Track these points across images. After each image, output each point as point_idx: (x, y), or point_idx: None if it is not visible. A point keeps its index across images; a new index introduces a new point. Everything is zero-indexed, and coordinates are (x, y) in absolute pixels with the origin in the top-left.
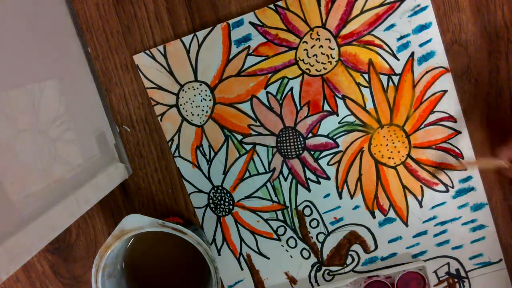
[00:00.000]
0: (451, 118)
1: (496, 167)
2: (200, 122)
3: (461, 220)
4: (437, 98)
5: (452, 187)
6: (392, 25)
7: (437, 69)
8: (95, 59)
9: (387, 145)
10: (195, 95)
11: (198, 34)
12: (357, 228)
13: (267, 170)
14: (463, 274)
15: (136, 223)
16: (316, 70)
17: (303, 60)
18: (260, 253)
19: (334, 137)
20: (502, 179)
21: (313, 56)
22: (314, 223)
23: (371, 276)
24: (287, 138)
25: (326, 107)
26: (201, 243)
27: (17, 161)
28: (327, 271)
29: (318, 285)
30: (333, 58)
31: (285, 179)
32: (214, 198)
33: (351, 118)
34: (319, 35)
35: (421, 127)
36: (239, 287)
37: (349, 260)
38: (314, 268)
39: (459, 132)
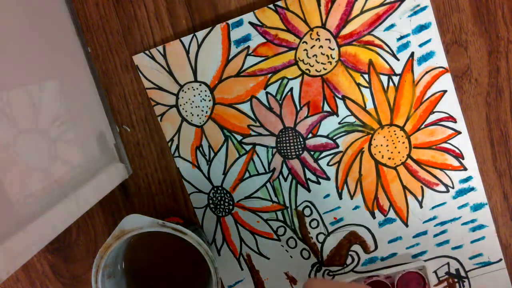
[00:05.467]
0: (451, 118)
1: None
2: (200, 123)
3: (461, 220)
4: (437, 98)
5: (453, 188)
6: (392, 25)
7: (437, 69)
8: (95, 59)
9: (387, 145)
10: (194, 96)
11: (198, 34)
12: (357, 229)
13: (267, 171)
14: (463, 274)
15: (136, 223)
16: (316, 70)
17: (303, 60)
18: (260, 253)
19: (334, 138)
20: (502, 179)
21: (313, 56)
22: (314, 224)
23: (371, 276)
24: (287, 138)
25: (326, 108)
26: (201, 244)
27: (17, 161)
28: (327, 271)
29: None
30: (333, 58)
31: (285, 180)
32: (214, 199)
33: (351, 119)
34: (319, 35)
35: (421, 127)
36: (239, 287)
37: (349, 260)
38: (314, 268)
39: (459, 132)
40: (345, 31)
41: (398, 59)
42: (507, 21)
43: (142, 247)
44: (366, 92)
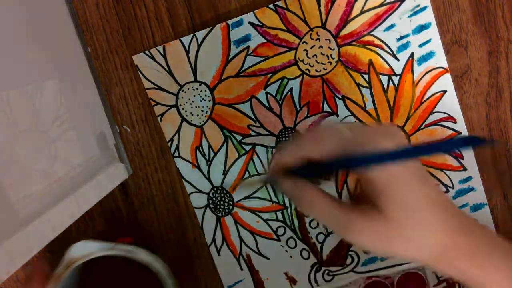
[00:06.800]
0: (451, 119)
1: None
2: (200, 123)
3: None
4: (437, 98)
5: (452, 188)
6: (392, 25)
7: (436, 70)
8: (95, 59)
9: None
10: (194, 96)
11: (198, 34)
12: None
13: (267, 171)
14: None
15: (85, 250)
16: (316, 70)
17: (302, 60)
18: (260, 254)
19: None
20: (502, 179)
21: (313, 56)
22: (314, 224)
23: (371, 277)
24: (287, 138)
25: (326, 108)
26: (152, 262)
27: (17, 161)
28: (326, 272)
29: (318, 285)
30: (333, 58)
31: None
32: (214, 199)
33: (351, 119)
34: (319, 36)
35: (421, 127)
36: (238, 287)
37: (348, 260)
38: (314, 269)
39: (459, 133)
40: (345, 31)
41: (398, 59)
42: (507, 21)
43: (98, 270)
44: (366, 92)
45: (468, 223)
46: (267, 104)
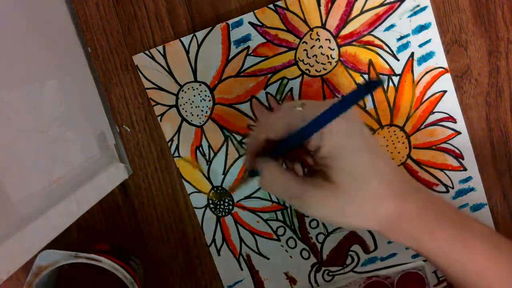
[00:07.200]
0: (451, 119)
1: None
2: (200, 123)
3: None
4: (437, 98)
5: (452, 188)
6: (392, 26)
7: (436, 70)
8: (95, 59)
9: (387, 146)
10: (194, 96)
11: (198, 34)
12: None
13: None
14: None
15: (50, 258)
16: (316, 70)
17: (302, 60)
18: (260, 254)
19: None
20: (502, 179)
21: (313, 56)
22: (313, 224)
23: (371, 277)
24: None
25: None
26: (117, 268)
27: (17, 161)
28: (326, 272)
29: (318, 285)
30: (333, 58)
31: None
32: (214, 199)
33: None
34: (318, 36)
35: (421, 127)
36: (238, 287)
37: (348, 260)
38: (314, 269)
39: (459, 133)
40: (345, 31)
41: (398, 59)
42: (507, 21)
43: (75, 277)
44: None
45: (417, 190)
46: (267, 104)
